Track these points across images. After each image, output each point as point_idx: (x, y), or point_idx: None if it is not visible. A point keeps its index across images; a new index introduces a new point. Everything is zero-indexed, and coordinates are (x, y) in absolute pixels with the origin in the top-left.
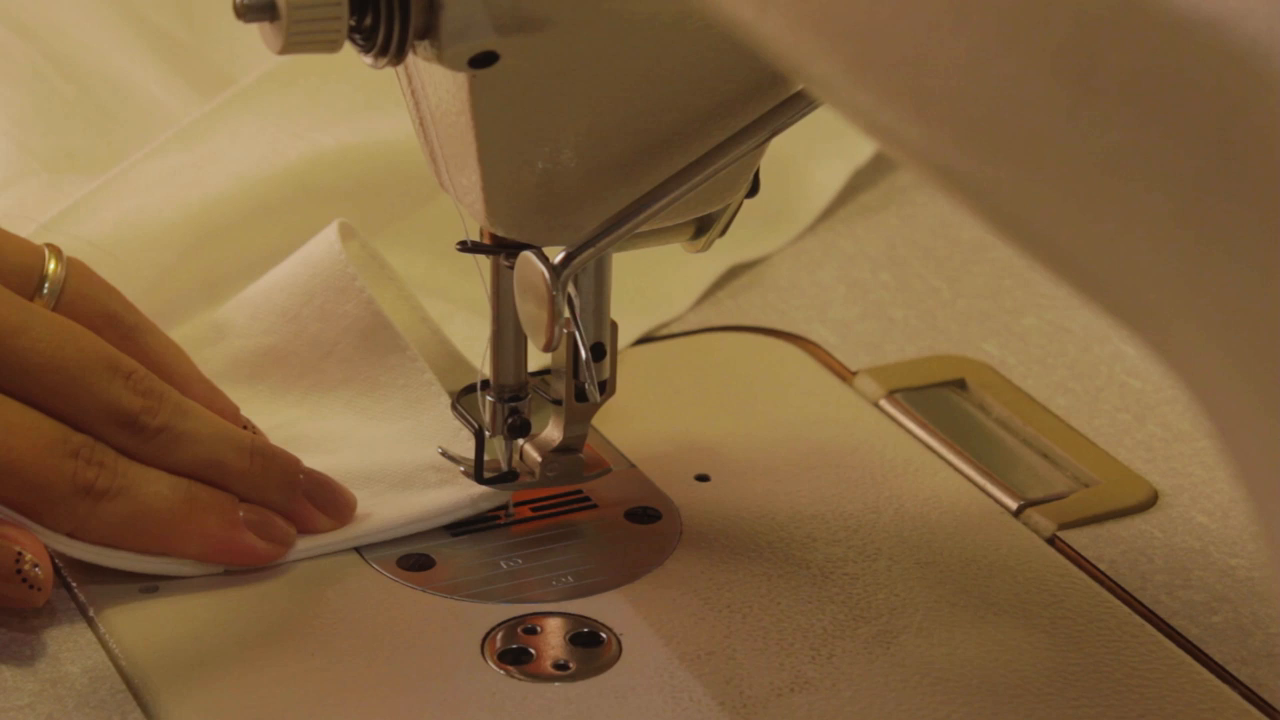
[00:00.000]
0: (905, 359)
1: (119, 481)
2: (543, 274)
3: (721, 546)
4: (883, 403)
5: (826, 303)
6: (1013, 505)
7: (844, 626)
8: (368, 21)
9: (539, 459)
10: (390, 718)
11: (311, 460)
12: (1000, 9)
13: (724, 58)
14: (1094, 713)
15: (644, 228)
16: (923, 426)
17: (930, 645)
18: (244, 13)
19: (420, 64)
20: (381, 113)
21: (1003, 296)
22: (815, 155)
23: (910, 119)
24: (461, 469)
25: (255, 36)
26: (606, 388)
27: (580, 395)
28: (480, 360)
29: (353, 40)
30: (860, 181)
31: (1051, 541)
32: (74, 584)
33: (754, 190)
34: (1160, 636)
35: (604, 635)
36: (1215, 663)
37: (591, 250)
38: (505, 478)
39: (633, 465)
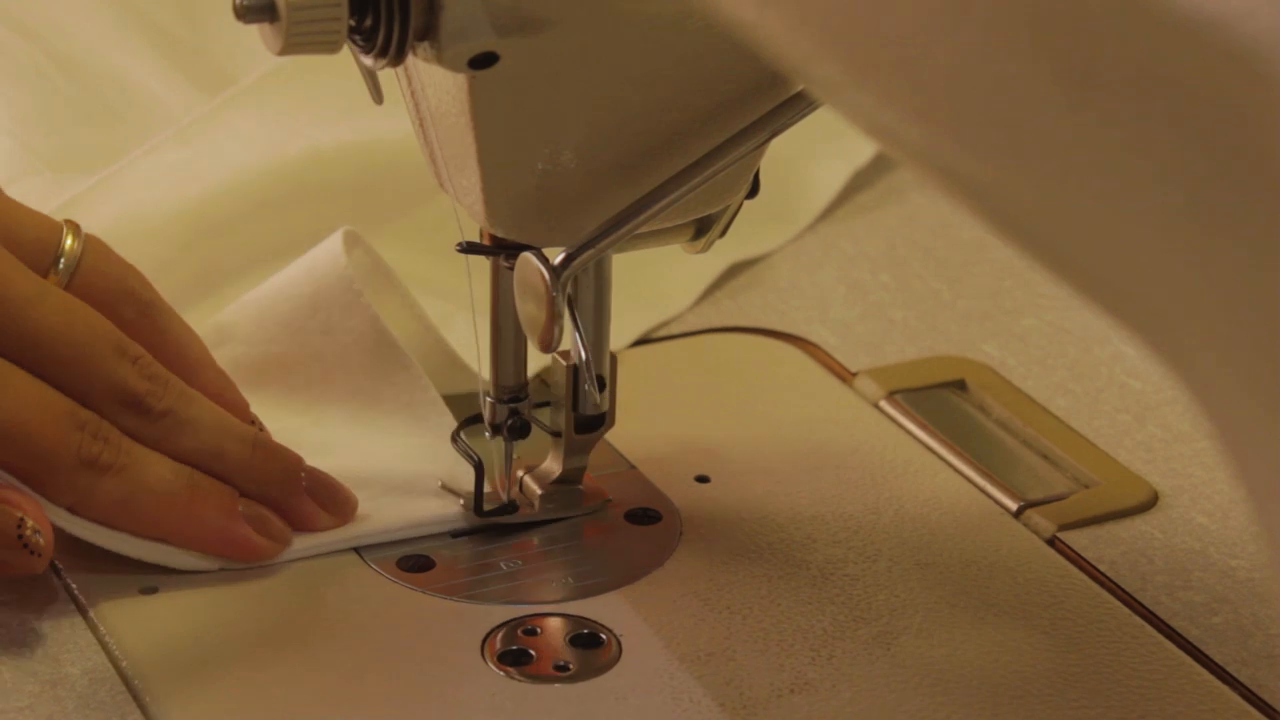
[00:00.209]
0: (905, 360)
1: (122, 459)
2: (542, 275)
3: (721, 547)
4: (883, 404)
5: (827, 304)
6: (1013, 506)
7: (844, 627)
8: (367, 22)
9: (539, 491)
10: (390, 719)
11: (313, 462)
12: (1000, 9)
13: (724, 58)
14: (1094, 714)
15: (644, 229)
16: (923, 427)
17: (930, 646)
18: (244, 14)
19: (420, 65)
20: (381, 111)
21: (1003, 297)
22: (816, 154)
23: (910, 119)
24: (461, 502)
25: (256, 35)
26: (606, 419)
27: (581, 406)
28: (480, 362)
29: (352, 41)
30: (860, 181)
31: (1051, 542)
32: (74, 585)
33: (754, 191)
34: (1160, 637)
35: (604, 636)
36: (1215, 664)
37: (591, 251)
38: (504, 510)
39: (633, 466)
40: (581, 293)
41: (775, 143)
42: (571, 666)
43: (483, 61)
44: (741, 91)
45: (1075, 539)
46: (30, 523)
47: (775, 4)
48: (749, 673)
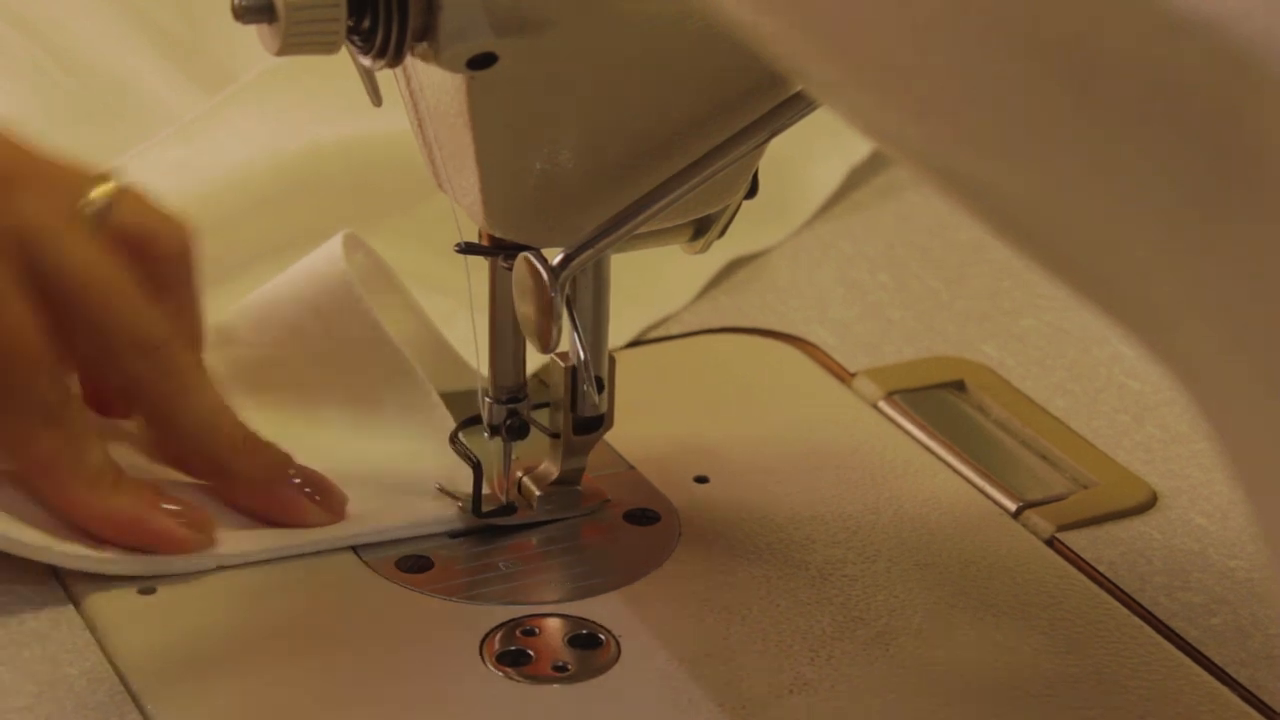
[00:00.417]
0: (904, 360)
1: (71, 422)
2: (541, 275)
3: (720, 548)
4: (881, 404)
5: (825, 304)
6: (1011, 507)
7: (843, 628)
8: (366, 23)
9: (537, 492)
10: (389, 719)
11: (312, 463)
12: (999, 9)
13: (723, 59)
14: (1093, 715)
15: (643, 229)
16: (921, 428)
17: (929, 647)
18: (242, 14)
19: (418, 65)
20: (380, 109)
21: (1001, 298)
22: (814, 152)
23: (907, 120)
24: (460, 504)
25: (255, 35)
26: (605, 420)
27: (580, 407)
28: (479, 363)
29: (351, 41)
30: (858, 180)
31: (1050, 543)
32: (71, 586)
33: (753, 192)
34: (1159, 638)
35: (603, 637)
36: (1214, 664)
37: (590, 252)
38: (503, 511)
39: (631, 467)
40: (580, 293)
41: (773, 140)
42: (570, 667)
43: (481, 62)
44: (740, 92)
45: (1074, 540)
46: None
47: (773, 5)
48: (748, 673)
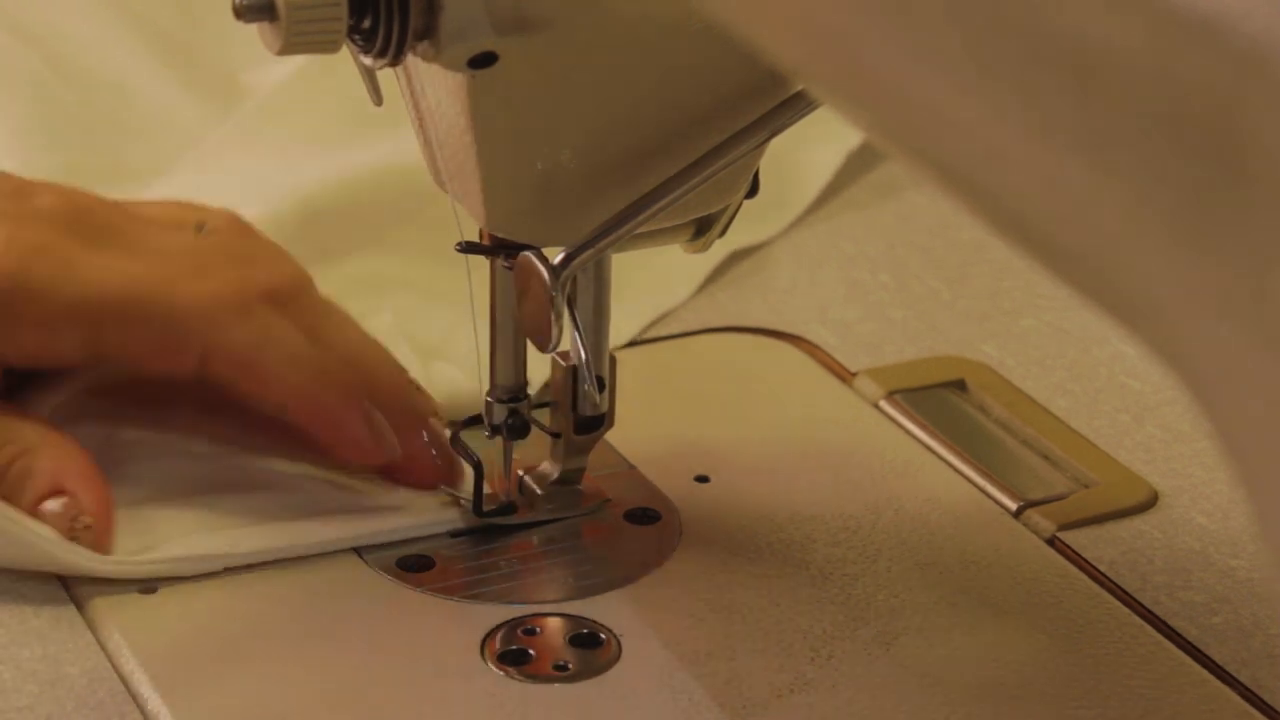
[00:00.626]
0: (905, 360)
1: (264, 314)
2: (542, 275)
3: (721, 547)
4: (882, 403)
5: (826, 303)
6: (1012, 506)
7: (844, 627)
8: (366, 22)
9: (538, 492)
10: (389, 719)
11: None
12: (998, 10)
13: (723, 58)
14: (1094, 714)
15: (643, 228)
16: (922, 427)
17: (930, 646)
18: (243, 13)
19: (419, 65)
20: (383, 131)
21: (1002, 298)
22: (809, 139)
23: (907, 121)
24: (461, 503)
25: (255, 34)
26: (606, 420)
27: (580, 407)
28: (479, 363)
29: (352, 41)
30: (857, 176)
31: (1051, 542)
32: (73, 586)
33: (753, 191)
34: (1160, 638)
35: (604, 636)
36: (1215, 664)
37: (591, 251)
38: (504, 510)
39: (632, 466)
40: (580, 293)
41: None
42: (571, 666)
43: (482, 61)
44: (741, 91)
45: (1075, 539)
46: (85, 518)
47: (770, 7)
48: (749, 672)
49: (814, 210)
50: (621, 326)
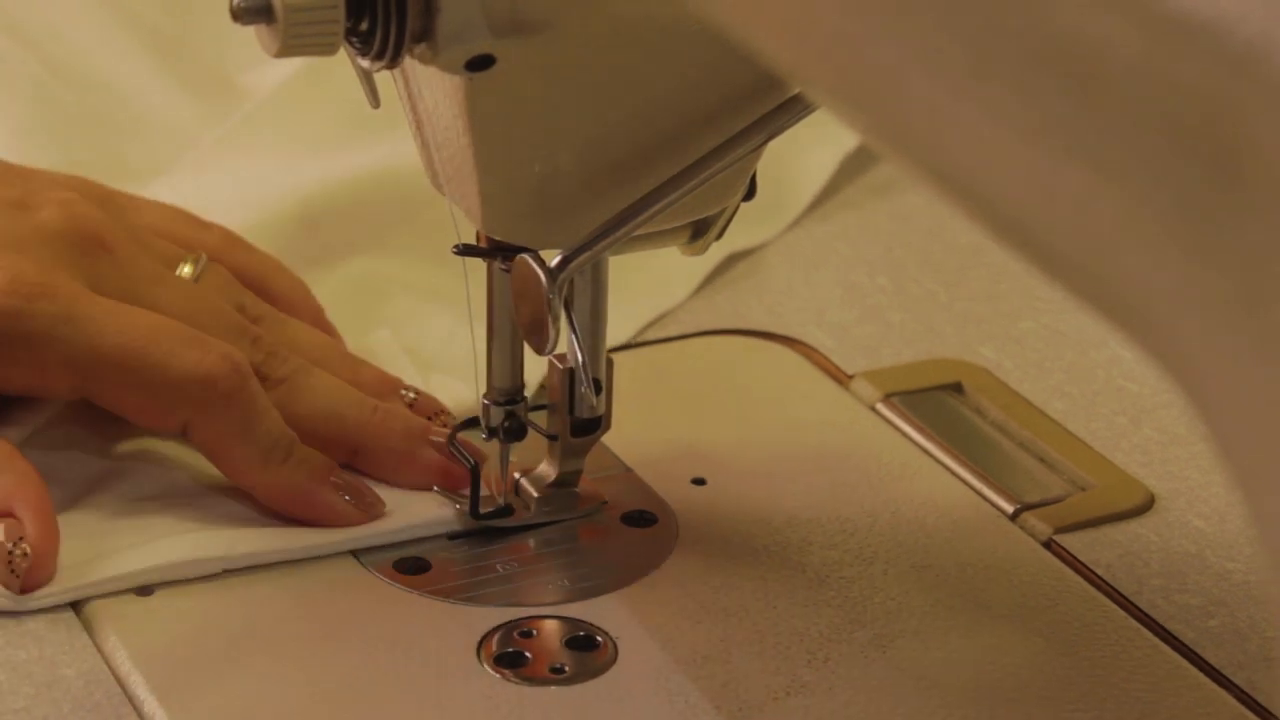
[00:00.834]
0: (902, 362)
1: (250, 394)
2: (539, 277)
3: (718, 550)
4: (879, 406)
5: (823, 306)
6: (1009, 509)
7: (840, 630)
8: (364, 25)
9: (535, 494)
10: None
11: None
12: (996, 12)
13: (721, 61)
14: (1090, 717)
15: (640, 231)
16: (919, 430)
17: (927, 649)
18: (240, 15)
19: (417, 67)
20: (381, 133)
21: (999, 300)
22: (806, 142)
23: (905, 123)
24: (458, 505)
25: (252, 36)
26: (603, 422)
27: (577, 409)
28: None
29: (349, 43)
30: (852, 177)
31: (1048, 545)
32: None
33: (750, 194)
34: (1156, 640)
35: (600, 639)
36: (1212, 667)
37: (588, 253)
38: (500, 513)
39: (629, 469)
40: (578, 295)
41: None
42: (567, 669)
43: (479, 64)
44: (738, 94)
45: (1071, 542)
46: (23, 545)
47: (767, 10)
48: (745, 675)
49: (811, 213)
50: (619, 327)
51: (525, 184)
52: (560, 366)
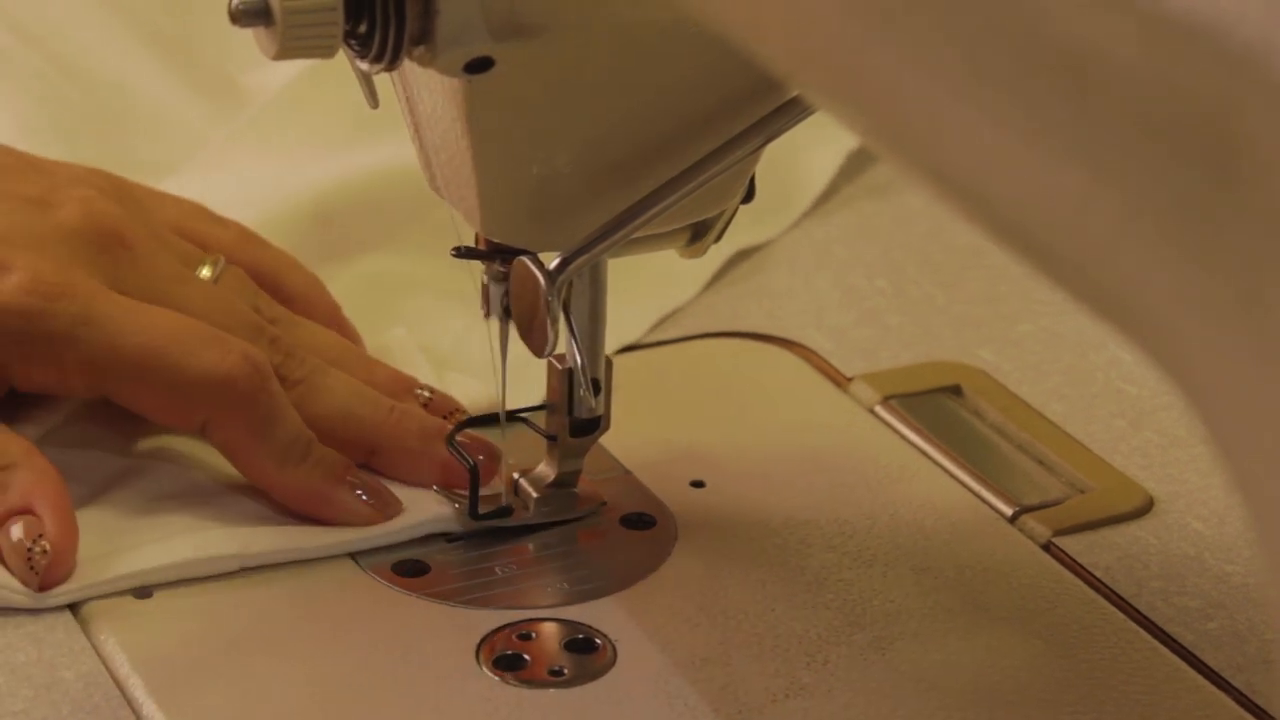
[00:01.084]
0: (900, 365)
1: (269, 393)
2: (538, 279)
3: (717, 552)
4: (878, 409)
5: (822, 308)
6: (1008, 511)
7: (839, 632)
8: (363, 27)
9: (534, 495)
10: None
11: None
12: (994, 15)
13: (719, 64)
14: (1089, 719)
15: (639, 233)
16: (918, 432)
17: (925, 651)
18: (239, 17)
19: (415, 70)
20: (392, 131)
21: (998, 303)
22: (809, 139)
23: (903, 126)
24: (456, 504)
25: (252, 37)
26: (601, 423)
27: (576, 410)
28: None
29: (348, 46)
30: (855, 185)
31: (1047, 548)
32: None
33: (749, 196)
34: (1155, 643)
35: (599, 641)
36: (1211, 669)
37: (587, 256)
38: (499, 513)
39: (628, 471)
40: (576, 297)
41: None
42: (566, 672)
43: (478, 66)
44: (736, 97)
45: (1070, 544)
46: (42, 543)
47: (765, 13)
48: (744, 678)
49: (810, 215)
50: (631, 324)
51: (524, 186)
52: (559, 367)
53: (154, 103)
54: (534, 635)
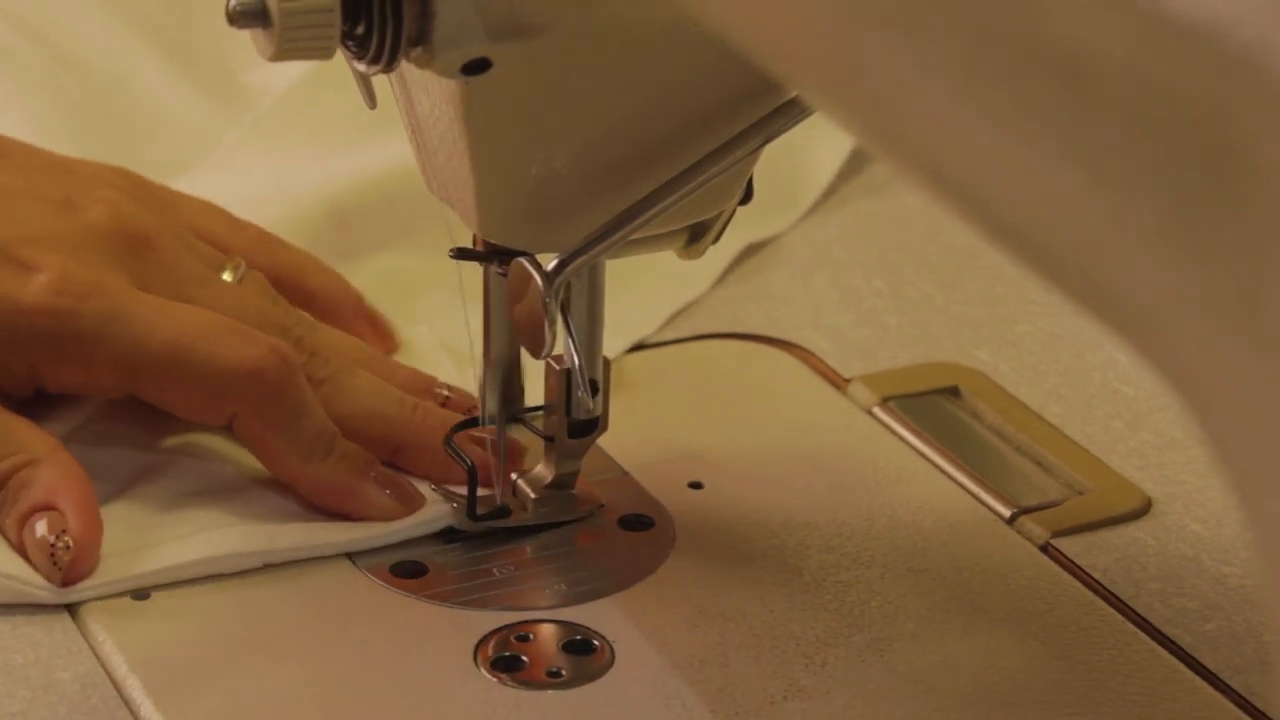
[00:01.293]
0: (898, 366)
1: (296, 388)
2: (536, 281)
3: (715, 554)
4: (876, 410)
5: (820, 310)
6: (1006, 513)
7: (837, 634)
8: (360, 29)
9: (532, 495)
10: None
11: None
12: (992, 16)
13: (718, 65)
14: None
15: (637, 234)
16: (916, 434)
17: (923, 653)
18: (236, 18)
19: (413, 71)
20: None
21: (996, 304)
22: (815, 132)
23: (901, 127)
24: (454, 505)
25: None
26: (599, 424)
27: (574, 411)
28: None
29: (345, 47)
30: (853, 186)
31: (1044, 549)
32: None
33: (747, 197)
34: (1153, 644)
35: (597, 643)
36: (1208, 670)
37: (585, 257)
38: (497, 514)
39: (626, 473)
40: (574, 298)
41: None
42: (564, 673)
43: (475, 68)
44: (735, 98)
45: (1068, 545)
46: (66, 538)
47: (764, 14)
48: (742, 679)
49: (807, 216)
50: (645, 320)
51: (522, 188)
52: (557, 368)
53: (157, 102)
54: (532, 636)
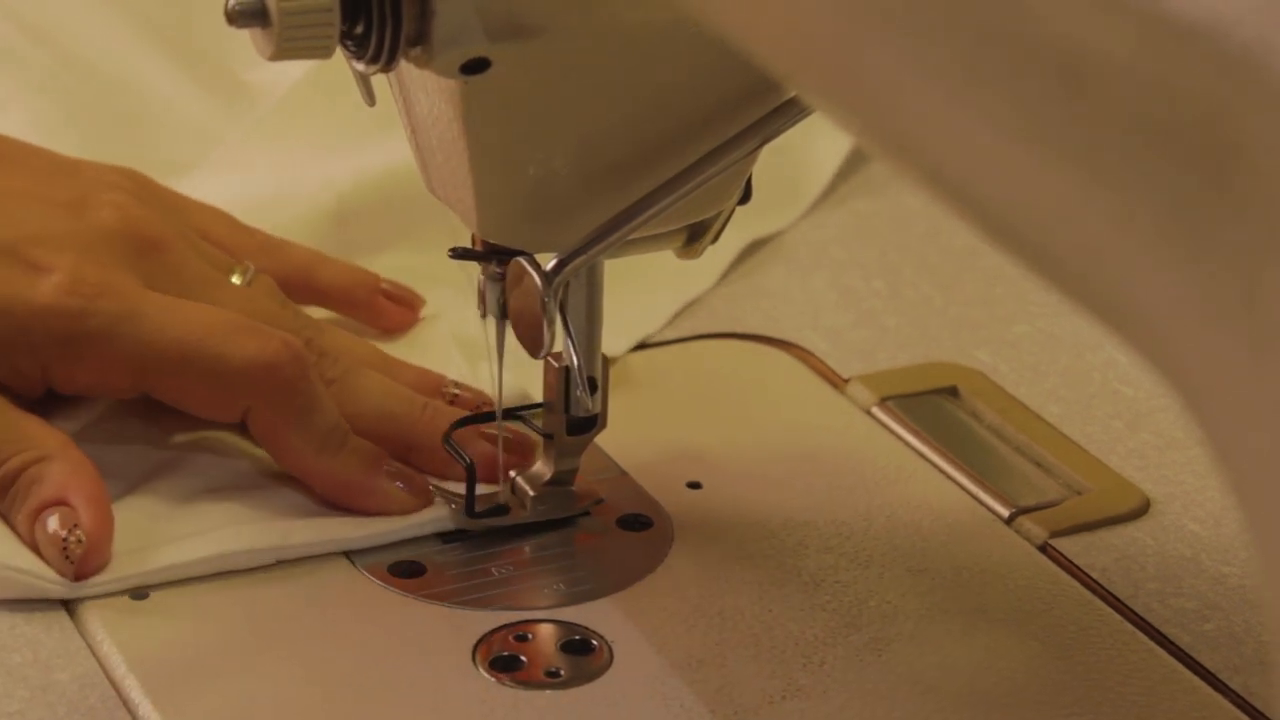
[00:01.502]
0: (897, 366)
1: (307, 383)
2: (534, 280)
3: (713, 554)
4: (875, 410)
5: (818, 310)
6: (1004, 513)
7: (836, 634)
8: (359, 28)
9: (531, 493)
10: None
11: None
12: (990, 16)
13: (716, 65)
14: None
15: (636, 234)
16: (915, 434)
17: (922, 653)
18: (235, 18)
19: (412, 71)
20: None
21: (995, 304)
22: (816, 127)
23: (899, 128)
24: (453, 504)
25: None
26: (598, 421)
27: (573, 409)
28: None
29: (344, 46)
30: (852, 186)
31: (1043, 549)
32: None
33: (746, 197)
34: (1152, 644)
35: (595, 643)
36: (1207, 671)
37: (584, 257)
38: (496, 512)
39: (624, 472)
40: (573, 298)
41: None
42: (563, 673)
43: (474, 67)
44: (734, 98)
45: (1067, 545)
46: (78, 533)
47: (763, 15)
48: (740, 679)
49: (807, 216)
50: (650, 318)
51: (520, 187)
52: (556, 365)
53: (159, 101)
54: (531, 636)
